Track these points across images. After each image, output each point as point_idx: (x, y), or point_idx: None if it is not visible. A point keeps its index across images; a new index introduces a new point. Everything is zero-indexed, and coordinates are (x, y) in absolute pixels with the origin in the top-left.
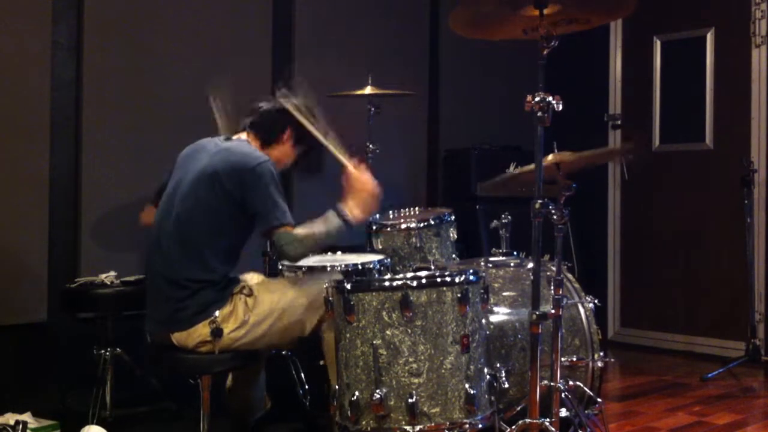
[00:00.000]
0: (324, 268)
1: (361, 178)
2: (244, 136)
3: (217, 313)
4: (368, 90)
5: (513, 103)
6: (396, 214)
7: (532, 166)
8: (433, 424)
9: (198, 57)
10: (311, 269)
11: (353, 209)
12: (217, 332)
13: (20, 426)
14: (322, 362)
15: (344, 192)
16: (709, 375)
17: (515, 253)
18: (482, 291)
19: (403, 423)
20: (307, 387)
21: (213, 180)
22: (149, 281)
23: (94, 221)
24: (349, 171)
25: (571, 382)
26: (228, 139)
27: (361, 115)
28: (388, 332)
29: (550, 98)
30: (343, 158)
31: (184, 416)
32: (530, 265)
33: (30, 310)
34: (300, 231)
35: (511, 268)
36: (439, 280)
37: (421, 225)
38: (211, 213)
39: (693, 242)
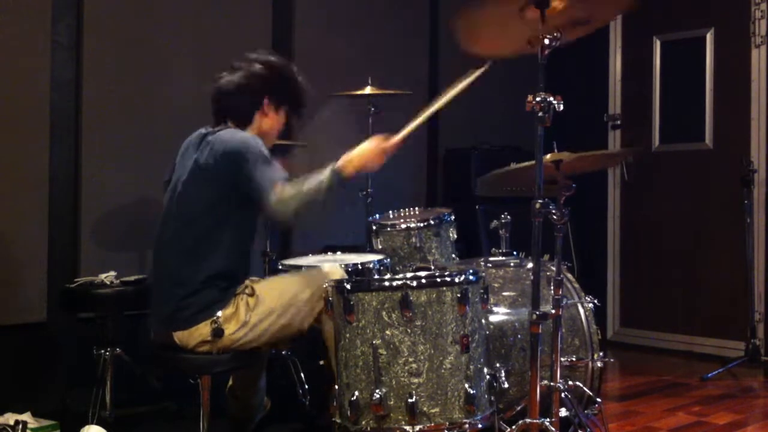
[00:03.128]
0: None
1: (375, 137)
2: (230, 124)
3: (219, 313)
4: (368, 90)
5: (513, 103)
6: (396, 214)
7: (531, 162)
8: (432, 424)
9: (198, 57)
10: (311, 269)
11: (350, 160)
12: (218, 332)
13: (20, 426)
14: (322, 362)
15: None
16: (709, 375)
17: (515, 253)
18: (482, 291)
19: (403, 423)
20: (307, 387)
21: (205, 173)
22: (153, 279)
23: (94, 221)
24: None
25: (570, 382)
26: (213, 131)
27: (361, 115)
28: (387, 332)
29: (551, 98)
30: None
31: (184, 416)
32: (530, 265)
33: (30, 310)
34: (286, 191)
35: (511, 268)
36: (439, 280)
37: (421, 225)
38: (211, 207)
39: (693, 242)
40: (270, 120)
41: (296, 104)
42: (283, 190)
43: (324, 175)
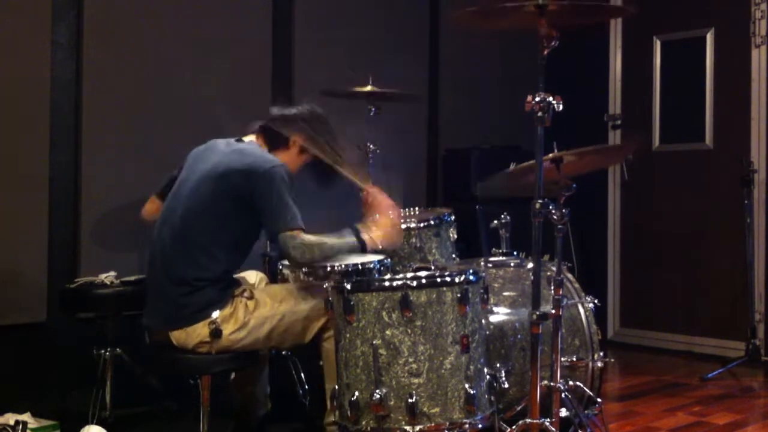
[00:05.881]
0: (324, 268)
1: (383, 201)
2: (253, 138)
3: (217, 313)
4: (368, 89)
5: (513, 103)
6: None
7: (530, 162)
8: (432, 424)
9: (198, 57)
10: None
11: (373, 232)
12: (216, 333)
13: (20, 426)
14: (322, 362)
15: (364, 212)
16: (709, 375)
17: (515, 253)
18: (482, 291)
19: (403, 423)
20: (307, 387)
21: (223, 177)
22: (150, 278)
23: (94, 221)
24: (368, 192)
25: (570, 382)
26: (239, 140)
27: (361, 115)
28: (388, 332)
29: (551, 98)
30: (357, 180)
31: (184, 416)
32: (530, 265)
33: (30, 310)
34: (309, 237)
35: (511, 268)
36: (439, 280)
37: (421, 225)
38: (215, 206)
39: (693, 242)
40: (291, 155)
41: (314, 159)
42: (304, 237)
43: (348, 242)
